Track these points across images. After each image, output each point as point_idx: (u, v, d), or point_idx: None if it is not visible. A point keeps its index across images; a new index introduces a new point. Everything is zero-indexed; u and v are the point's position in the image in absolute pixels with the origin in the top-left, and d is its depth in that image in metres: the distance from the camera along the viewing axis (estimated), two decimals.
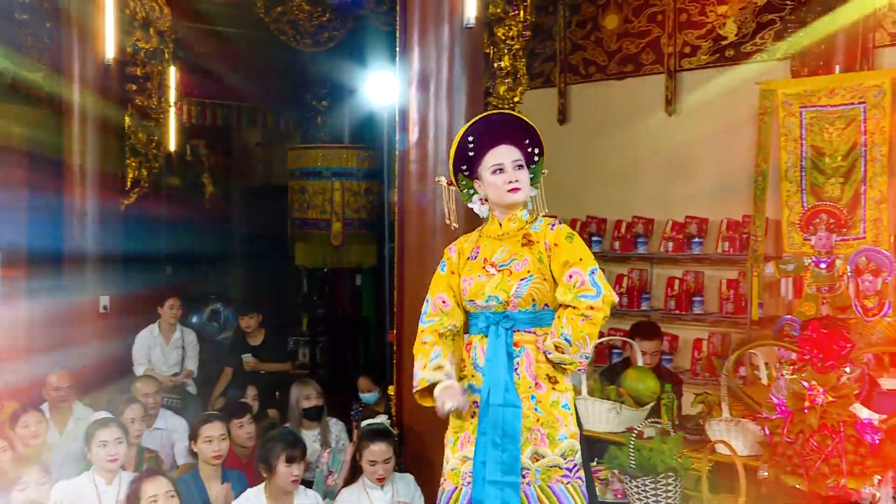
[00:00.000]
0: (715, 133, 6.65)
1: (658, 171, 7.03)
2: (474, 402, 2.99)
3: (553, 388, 2.95)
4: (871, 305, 4.67)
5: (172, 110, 7.58)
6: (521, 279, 2.96)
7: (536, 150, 3.13)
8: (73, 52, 6.49)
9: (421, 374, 3.04)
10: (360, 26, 7.46)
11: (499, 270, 3.00)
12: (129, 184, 6.89)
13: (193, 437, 4.47)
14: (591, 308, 2.87)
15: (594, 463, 3.98)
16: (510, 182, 3.02)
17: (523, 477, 2.90)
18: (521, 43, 5.18)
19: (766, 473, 3.09)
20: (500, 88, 5.24)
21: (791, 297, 5.70)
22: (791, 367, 3.19)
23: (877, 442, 2.85)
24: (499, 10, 5.00)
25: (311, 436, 5.32)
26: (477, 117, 3.20)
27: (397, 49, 4.68)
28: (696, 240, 6.62)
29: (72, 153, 6.50)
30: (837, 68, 5.72)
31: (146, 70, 6.91)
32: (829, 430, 2.90)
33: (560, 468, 2.91)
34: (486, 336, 3.00)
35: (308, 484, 4.55)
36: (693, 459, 3.58)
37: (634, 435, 3.57)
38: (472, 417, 2.99)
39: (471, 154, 3.09)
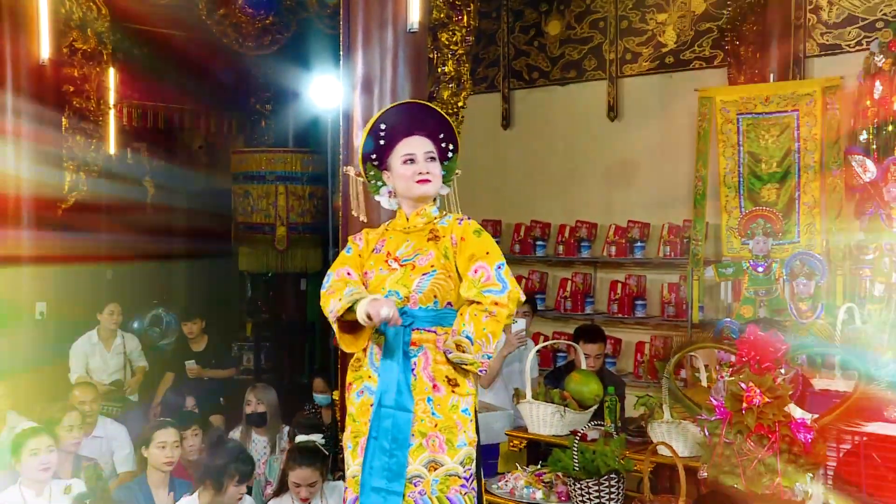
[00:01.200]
0: (656, 139, 6.77)
1: (601, 176, 7.12)
2: (371, 404, 2.81)
3: (453, 392, 2.79)
4: (806, 308, 4.79)
5: (112, 113, 7.43)
6: (424, 274, 2.80)
7: (451, 147, 3.01)
8: (6, 51, 6.30)
9: (338, 304, 2.76)
10: (304, 30, 7.41)
11: (401, 265, 2.85)
12: (67, 187, 6.74)
13: (145, 442, 4.38)
14: (496, 304, 2.71)
15: (538, 466, 4.02)
16: (420, 173, 2.88)
17: (415, 486, 2.73)
18: (464, 48, 5.21)
19: (706, 474, 3.15)
20: (443, 93, 5.25)
21: (730, 300, 5.82)
22: (729, 369, 3.25)
23: (809, 441, 2.92)
24: (442, 16, 5.02)
25: (261, 441, 5.29)
26: (390, 105, 3.08)
27: (341, 53, 4.66)
28: (639, 244, 6.72)
29: (5, 156, 6.32)
30: (772, 76, 5.88)
31: (84, 71, 6.77)
32: (766, 430, 2.96)
33: (458, 477, 2.76)
34: (384, 335, 2.81)
35: (249, 490, 4.52)
36: (635, 461, 3.63)
37: (578, 437, 3.61)
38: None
39: (381, 143, 2.94)
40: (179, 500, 4.02)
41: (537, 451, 4.19)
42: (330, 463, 4.33)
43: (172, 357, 6.92)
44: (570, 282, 7.15)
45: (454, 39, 5.19)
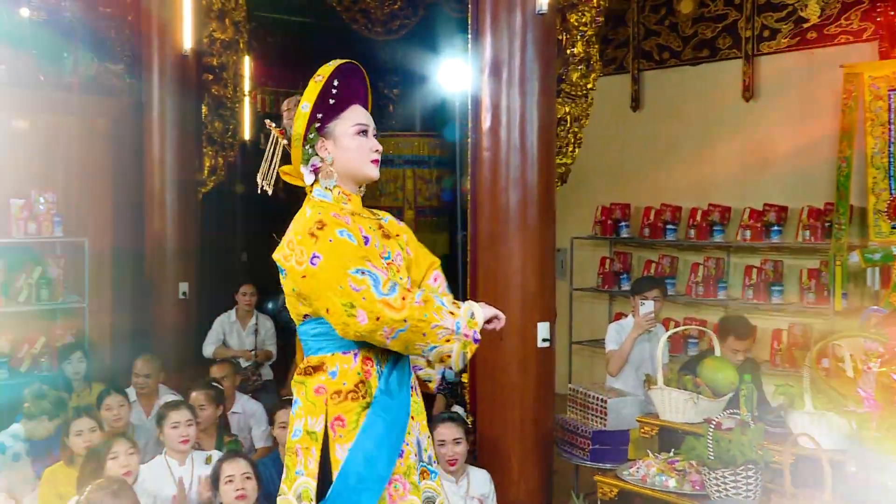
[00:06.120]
0: (795, 118, 6.47)
1: (735, 157, 6.87)
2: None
3: None
4: None
5: (247, 99, 7.70)
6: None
7: None
8: (153, 44, 6.64)
9: (464, 320, 2.30)
10: (432, 14, 7.47)
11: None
12: (206, 172, 7.04)
13: (271, 422, 4.54)
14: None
15: (671, 453, 3.91)
16: (377, 151, 2.44)
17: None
18: (593, 29, 5.11)
19: (855, 469, 3.00)
20: (573, 75, 5.18)
21: (878, 286, 5.52)
22: (879, 359, 3.08)
23: None
24: None
25: None
26: (343, 60, 2.50)
27: (469, 36, 4.66)
28: (775, 228, 6.45)
29: (151, 143, 6.66)
30: None
31: (222, 60, 7.05)
32: None
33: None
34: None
35: None
36: (774, 452, 3.49)
37: (713, 426, 3.50)
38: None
39: (332, 102, 2.41)
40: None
41: (669, 439, 4.10)
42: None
43: None
44: (701, 266, 6.95)
45: (583, 20, 5.10)
